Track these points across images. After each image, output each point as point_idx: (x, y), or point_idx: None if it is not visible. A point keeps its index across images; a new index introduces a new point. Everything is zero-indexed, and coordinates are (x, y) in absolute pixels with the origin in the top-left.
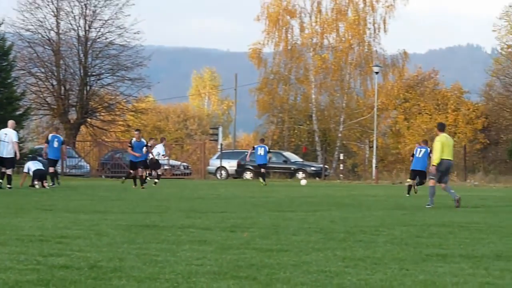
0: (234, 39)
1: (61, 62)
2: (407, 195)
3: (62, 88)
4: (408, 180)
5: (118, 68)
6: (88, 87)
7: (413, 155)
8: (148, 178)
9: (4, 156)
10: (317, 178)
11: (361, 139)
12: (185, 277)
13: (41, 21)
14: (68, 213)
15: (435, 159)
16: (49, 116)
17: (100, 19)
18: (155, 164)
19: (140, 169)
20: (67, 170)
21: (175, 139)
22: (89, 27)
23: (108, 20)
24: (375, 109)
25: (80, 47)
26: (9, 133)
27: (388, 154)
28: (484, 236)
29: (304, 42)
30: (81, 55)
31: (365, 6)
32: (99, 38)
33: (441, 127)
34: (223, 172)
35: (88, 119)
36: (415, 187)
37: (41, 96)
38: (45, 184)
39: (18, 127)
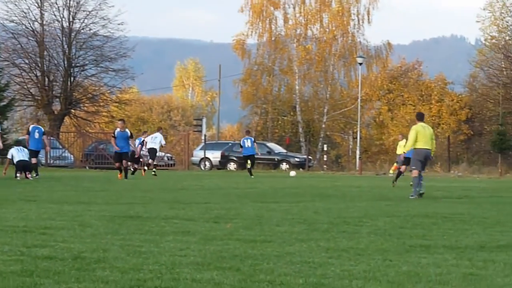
0: (218, 30)
1: (45, 53)
2: (395, 182)
3: (46, 79)
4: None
5: (102, 59)
6: (72, 78)
7: None
8: (154, 170)
9: None
10: (300, 169)
11: (345, 130)
12: (169, 268)
13: (25, 12)
14: (52, 204)
15: (406, 147)
16: (33, 107)
17: (84, 10)
18: (153, 154)
19: (124, 161)
20: (51, 161)
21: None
22: (73, 18)
23: (92, 11)
24: (359, 100)
25: (64, 38)
26: None
27: (372, 145)
28: (468, 227)
29: (288, 33)
30: (65, 46)
31: None
32: (83, 29)
33: (419, 117)
34: (207, 163)
35: (72, 110)
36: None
37: (25, 87)
38: (28, 176)
39: (2, 118)
